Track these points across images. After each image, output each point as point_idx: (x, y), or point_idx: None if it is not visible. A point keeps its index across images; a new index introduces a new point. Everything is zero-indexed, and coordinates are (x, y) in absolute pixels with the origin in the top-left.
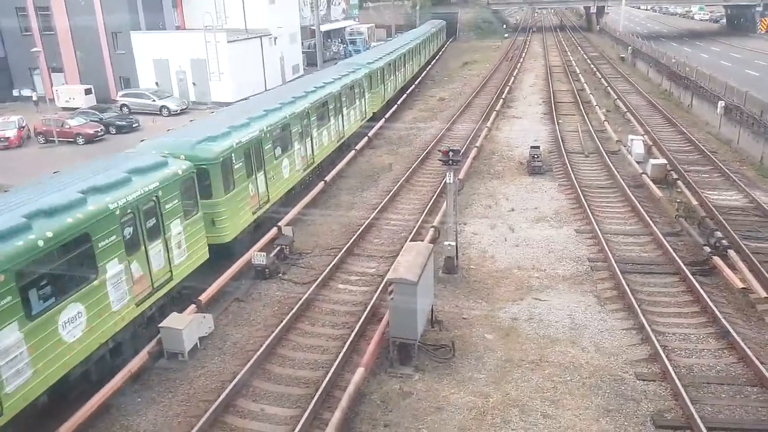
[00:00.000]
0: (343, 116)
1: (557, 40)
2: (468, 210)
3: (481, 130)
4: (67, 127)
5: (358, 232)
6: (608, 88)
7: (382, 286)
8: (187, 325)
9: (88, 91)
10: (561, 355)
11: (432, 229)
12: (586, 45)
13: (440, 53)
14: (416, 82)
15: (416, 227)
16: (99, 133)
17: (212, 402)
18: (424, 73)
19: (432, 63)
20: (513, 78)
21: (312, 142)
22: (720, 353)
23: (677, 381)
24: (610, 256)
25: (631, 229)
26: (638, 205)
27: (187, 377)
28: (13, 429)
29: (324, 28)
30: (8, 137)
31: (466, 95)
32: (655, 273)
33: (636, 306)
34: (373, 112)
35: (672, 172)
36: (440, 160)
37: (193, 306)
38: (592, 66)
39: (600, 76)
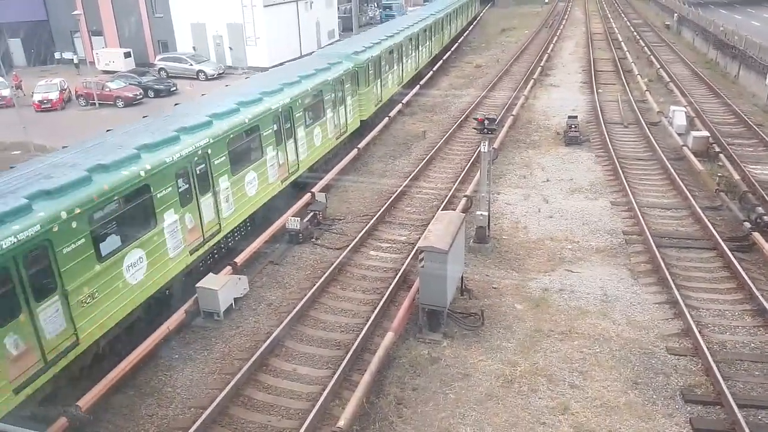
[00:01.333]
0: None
1: (599, 6)
2: (502, 179)
3: (518, 99)
4: (107, 90)
5: (390, 200)
6: (651, 56)
7: (412, 253)
8: (223, 286)
9: (127, 55)
10: (591, 327)
11: (464, 198)
12: (629, 11)
13: (472, 27)
14: (453, 48)
15: (449, 196)
16: (138, 97)
17: (246, 360)
18: (461, 39)
19: (460, 39)
20: (552, 45)
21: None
22: (755, 331)
23: (709, 356)
24: (646, 229)
25: (668, 203)
26: (677, 178)
27: (222, 336)
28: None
29: None
30: (51, 99)
31: (504, 62)
32: (691, 248)
33: (670, 280)
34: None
35: (714, 144)
36: (475, 128)
37: (228, 267)
38: (634, 33)
39: (643, 44)
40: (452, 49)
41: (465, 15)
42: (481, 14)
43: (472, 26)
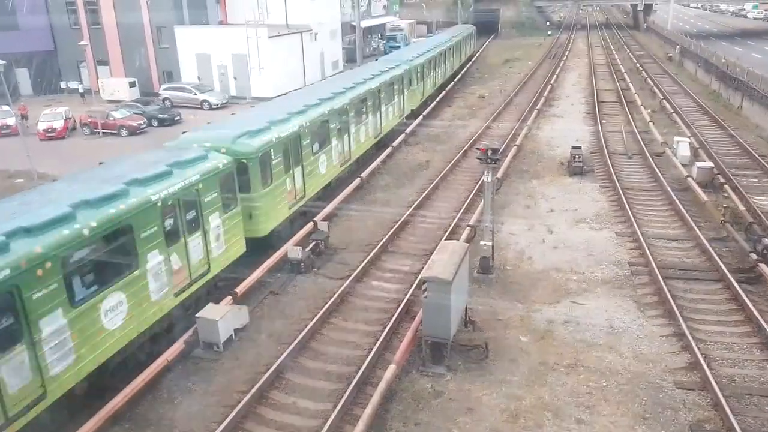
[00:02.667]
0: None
1: (602, 37)
2: (506, 209)
3: (521, 129)
4: (111, 119)
5: (393, 229)
6: (654, 88)
7: (415, 283)
8: (223, 316)
9: (132, 84)
10: (597, 360)
11: (468, 228)
12: (632, 43)
13: (467, 67)
14: (455, 79)
15: (452, 226)
16: (141, 126)
17: (246, 393)
18: (464, 71)
19: (455, 79)
20: (555, 76)
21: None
22: (765, 365)
23: (718, 391)
24: (652, 260)
25: (674, 234)
26: (682, 208)
27: (221, 368)
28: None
29: (364, 24)
30: (55, 128)
31: (507, 93)
32: (698, 279)
33: (677, 312)
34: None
35: (719, 175)
36: (478, 158)
37: (229, 297)
38: (637, 65)
39: (646, 76)
40: (455, 80)
41: (459, 55)
42: (483, 47)
43: (469, 64)
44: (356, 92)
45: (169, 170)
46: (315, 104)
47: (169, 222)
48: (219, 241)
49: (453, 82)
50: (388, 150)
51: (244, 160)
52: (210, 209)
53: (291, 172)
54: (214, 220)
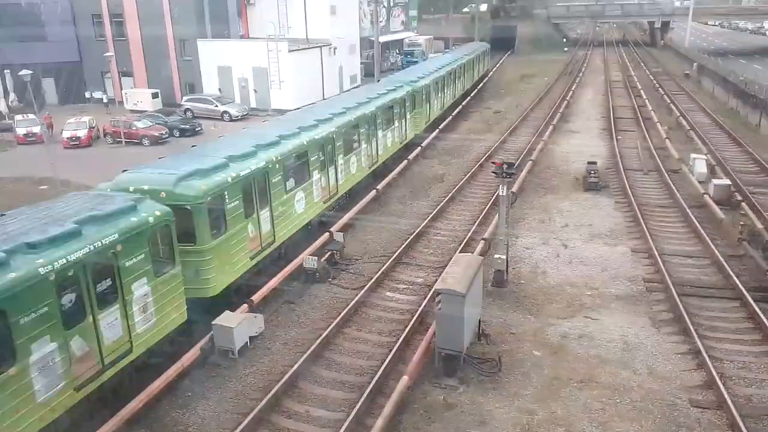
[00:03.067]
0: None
1: (619, 54)
2: (520, 224)
3: (537, 144)
4: (134, 129)
5: (408, 241)
6: (671, 104)
7: (429, 295)
8: (238, 324)
9: (155, 95)
10: (611, 376)
11: (482, 241)
12: (648, 60)
13: (479, 86)
14: (471, 95)
15: (466, 238)
16: (163, 136)
17: (260, 400)
18: (480, 85)
19: (464, 102)
20: (571, 92)
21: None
22: None
23: (734, 410)
24: (667, 277)
25: (690, 251)
26: (698, 226)
27: (236, 375)
28: None
29: (383, 39)
30: (79, 137)
31: (523, 108)
32: (714, 297)
33: (692, 330)
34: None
35: (736, 193)
36: (493, 172)
37: (245, 305)
38: (654, 82)
39: (662, 93)
40: (472, 94)
41: (470, 74)
42: (500, 63)
43: (482, 83)
44: (345, 119)
45: (77, 229)
46: (292, 134)
47: (68, 298)
48: (147, 312)
49: (469, 98)
50: (404, 163)
51: (188, 206)
52: (134, 275)
53: (255, 215)
54: (140, 288)
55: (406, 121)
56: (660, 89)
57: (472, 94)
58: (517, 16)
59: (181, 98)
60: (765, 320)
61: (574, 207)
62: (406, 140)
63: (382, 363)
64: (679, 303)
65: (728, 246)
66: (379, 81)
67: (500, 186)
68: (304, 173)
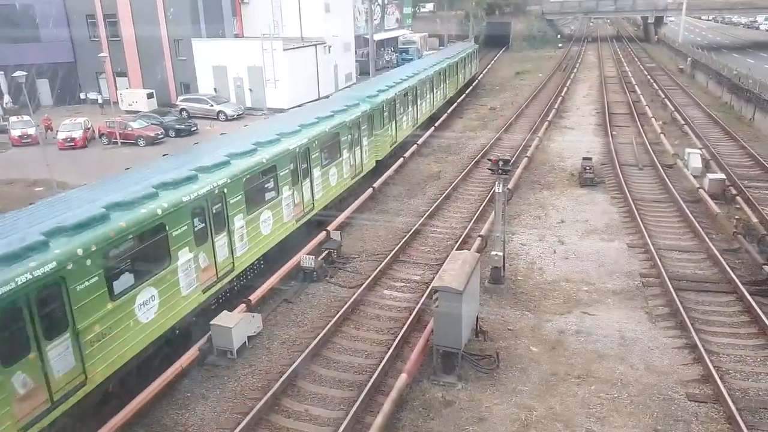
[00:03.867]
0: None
1: (613, 50)
2: (517, 220)
3: (532, 140)
4: (130, 129)
5: (405, 239)
6: (665, 99)
7: (426, 293)
8: (236, 324)
9: (150, 96)
10: (608, 371)
11: (479, 238)
12: (642, 55)
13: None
14: (466, 92)
15: (463, 236)
16: (159, 136)
17: (258, 400)
18: (475, 83)
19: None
20: (566, 88)
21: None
22: None
23: (731, 404)
24: (663, 271)
25: (685, 245)
26: (694, 220)
27: (235, 374)
28: None
29: (377, 37)
30: (74, 138)
31: (518, 105)
32: (710, 291)
33: (689, 324)
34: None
35: (731, 187)
36: (489, 169)
37: (243, 305)
38: (648, 77)
39: (657, 88)
40: (467, 92)
41: (453, 80)
42: (494, 60)
43: (470, 88)
44: (271, 151)
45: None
46: (188, 178)
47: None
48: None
49: (464, 95)
50: (400, 161)
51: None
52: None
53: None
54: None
55: (361, 147)
56: (654, 84)
57: (466, 93)
58: (512, 12)
59: (177, 98)
60: (761, 314)
61: (569, 203)
62: (363, 172)
63: (381, 361)
64: (675, 297)
65: (723, 240)
66: (328, 97)
67: (496, 183)
68: (202, 235)
